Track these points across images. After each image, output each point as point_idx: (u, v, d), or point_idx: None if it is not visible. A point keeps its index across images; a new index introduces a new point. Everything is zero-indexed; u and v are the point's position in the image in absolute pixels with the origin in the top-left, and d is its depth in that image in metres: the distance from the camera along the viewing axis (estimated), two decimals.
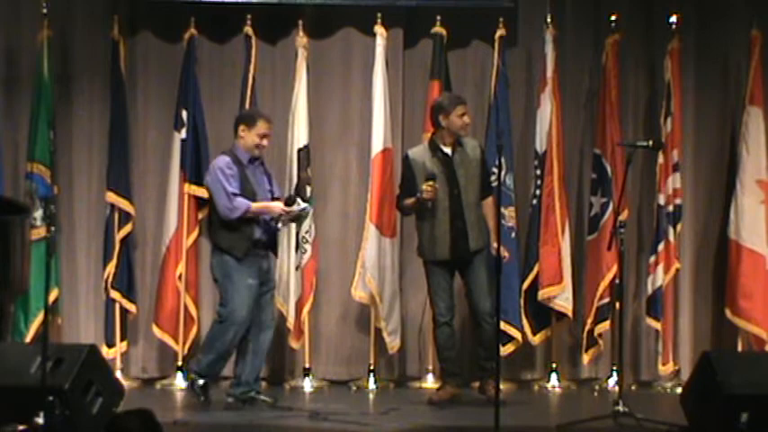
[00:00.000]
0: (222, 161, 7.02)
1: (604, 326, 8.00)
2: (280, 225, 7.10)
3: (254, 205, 6.93)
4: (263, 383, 7.62)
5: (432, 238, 7.17)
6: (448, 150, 7.21)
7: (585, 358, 8.11)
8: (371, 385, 8.00)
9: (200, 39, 8.18)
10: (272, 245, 7.14)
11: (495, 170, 7.56)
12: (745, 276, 7.92)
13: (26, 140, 7.94)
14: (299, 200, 7.07)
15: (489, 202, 7.26)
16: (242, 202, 6.90)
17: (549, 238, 7.99)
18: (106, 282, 7.95)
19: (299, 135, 8.00)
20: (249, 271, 6.93)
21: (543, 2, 8.18)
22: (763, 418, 5.80)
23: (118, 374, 7.50)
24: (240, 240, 6.93)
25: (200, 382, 7.02)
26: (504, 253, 6.90)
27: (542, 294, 7.96)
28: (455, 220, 7.14)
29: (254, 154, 7.06)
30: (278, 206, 7.01)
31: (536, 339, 8.07)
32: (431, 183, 7.04)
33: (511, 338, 7.95)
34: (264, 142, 7.08)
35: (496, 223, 6.67)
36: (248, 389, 7.03)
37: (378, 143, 8.01)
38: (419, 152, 7.29)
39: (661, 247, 7.97)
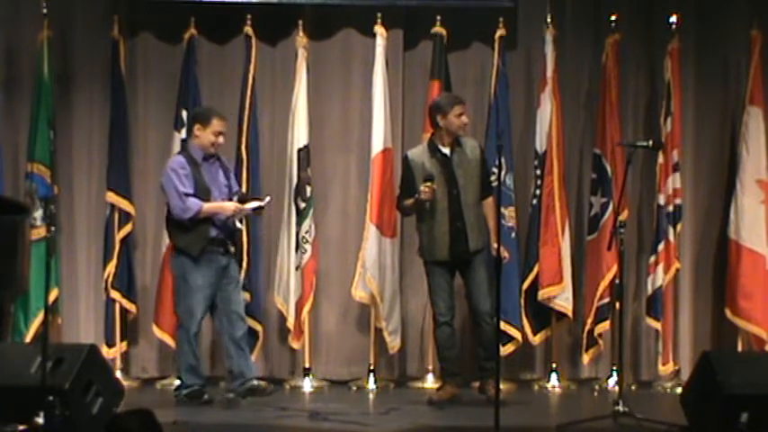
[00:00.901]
0: (176, 162, 7.11)
1: (604, 326, 8.00)
2: (237, 224, 7.17)
3: (207, 205, 6.98)
4: (263, 383, 7.64)
5: (431, 239, 7.18)
6: (446, 151, 7.21)
7: (585, 358, 8.11)
8: (371, 385, 8.00)
9: (200, 39, 8.18)
10: (230, 241, 7.17)
11: (495, 170, 7.56)
12: (745, 276, 7.92)
13: (26, 140, 7.94)
14: (265, 197, 7.15)
15: (489, 201, 7.26)
16: (194, 203, 6.96)
17: (549, 238, 7.99)
18: (106, 282, 7.95)
19: (299, 135, 7.99)
20: (204, 270, 7.01)
21: (543, 2, 8.18)
22: (763, 418, 5.80)
23: (118, 374, 7.52)
24: (196, 240, 7.00)
25: (192, 390, 7.13)
26: (505, 253, 6.90)
27: (542, 294, 7.96)
28: (454, 221, 7.14)
29: (209, 152, 7.11)
30: (231, 205, 7.06)
31: (536, 339, 8.07)
32: (428, 184, 7.04)
33: (511, 338, 7.95)
34: (220, 140, 7.14)
35: (496, 223, 6.67)
36: (243, 380, 7.07)
37: (378, 143, 8.01)
38: (418, 153, 7.29)
39: (661, 247, 7.97)
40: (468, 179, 7.19)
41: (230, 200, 7.13)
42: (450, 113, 7.18)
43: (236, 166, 7.92)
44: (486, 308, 7.14)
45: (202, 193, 7.01)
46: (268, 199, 7.20)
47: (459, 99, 7.34)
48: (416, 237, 7.38)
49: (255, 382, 7.10)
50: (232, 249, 7.18)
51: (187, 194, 6.96)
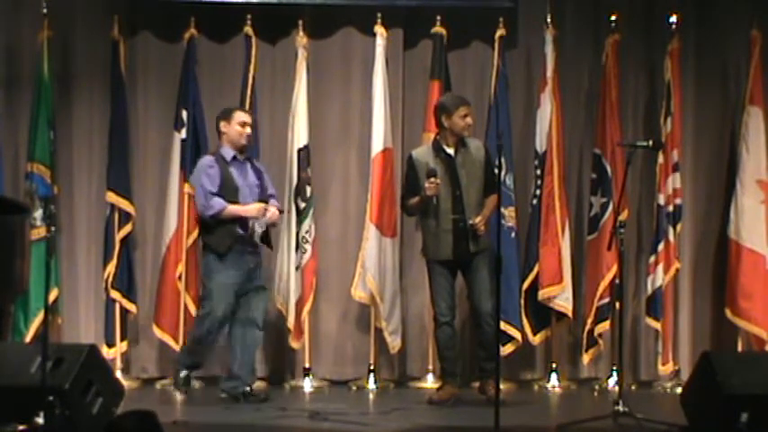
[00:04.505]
0: (205, 160, 7.28)
1: (604, 326, 8.01)
2: (257, 230, 7.17)
3: (231, 207, 7.09)
4: (264, 383, 7.65)
5: (436, 238, 7.18)
6: (451, 151, 7.21)
7: (585, 358, 8.11)
8: (371, 385, 7.99)
9: (200, 39, 8.18)
10: (264, 240, 7.27)
11: (496, 170, 7.55)
12: (745, 276, 7.92)
13: (26, 140, 7.94)
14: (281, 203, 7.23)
15: (492, 198, 7.19)
16: (218, 202, 7.07)
17: (549, 238, 7.99)
18: (106, 282, 7.95)
19: (299, 135, 7.99)
20: (231, 269, 7.08)
21: (543, 2, 8.18)
22: (763, 418, 5.80)
23: (118, 374, 7.51)
24: (223, 237, 7.09)
25: (182, 373, 7.29)
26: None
27: (542, 294, 7.96)
28: (457, 221, 7.14)
29: (240, 143, 7.21)
30: (254, 208, 7.13)
31: (536, 339, 8.07)
32: (432, 179, 7.05)
33: (511, 338, 7.95)
34: (247, 130, 7.26)
35: (496, 223, 6.66)
36: (238, 383, 7.13)
37: (378, 143, 8.01)
38: (423, 152, 7.30)
39: (661, 247, 7.97)
40: (471, 180, 7.19)
41: (264, 201, 7.22)
42: (455, 114, 7.18)
43: None
44: (487, 308, 7.13)
45: (230, 191, 7.12)
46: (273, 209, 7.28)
47: (464, 100, 7.34)
48: (417, 237, 7.38)
49: (248, 389, 7.16)
50: (268, 247, 7.31)
51: (212, 193, 7.08)
